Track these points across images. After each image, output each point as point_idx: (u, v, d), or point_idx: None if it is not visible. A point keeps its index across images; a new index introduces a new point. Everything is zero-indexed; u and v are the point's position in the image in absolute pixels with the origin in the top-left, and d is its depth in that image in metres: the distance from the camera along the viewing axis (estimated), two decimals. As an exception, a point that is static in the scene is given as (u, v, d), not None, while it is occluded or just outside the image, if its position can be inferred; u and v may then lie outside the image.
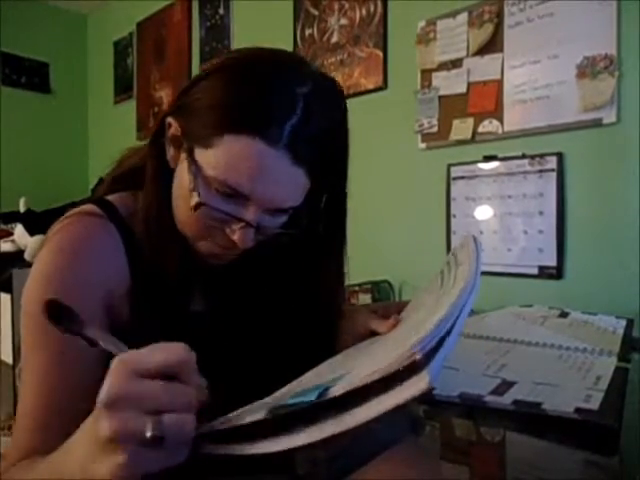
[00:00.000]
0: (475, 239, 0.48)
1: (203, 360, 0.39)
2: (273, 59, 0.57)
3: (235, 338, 0.64)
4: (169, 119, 0.57)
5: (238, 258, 0.60)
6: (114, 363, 0.35)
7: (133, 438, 0.32)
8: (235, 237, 0.54)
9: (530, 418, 0.43)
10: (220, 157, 0.52)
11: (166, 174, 0.58)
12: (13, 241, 2.09)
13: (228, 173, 0.52)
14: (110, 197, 0.62)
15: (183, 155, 0.55)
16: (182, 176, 0.55)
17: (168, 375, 0.35)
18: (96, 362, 0.51)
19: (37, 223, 2.07)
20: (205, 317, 0.64)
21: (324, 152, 0.56)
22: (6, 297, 1.74)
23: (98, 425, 0.33)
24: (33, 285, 0.57)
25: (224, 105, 0.53)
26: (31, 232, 1.99)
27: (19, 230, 2.06)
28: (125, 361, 0.35)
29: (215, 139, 0.52)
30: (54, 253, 0.56)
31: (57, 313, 0.42)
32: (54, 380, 0.54)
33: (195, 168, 0.53)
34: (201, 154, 0.53)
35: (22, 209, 2.23)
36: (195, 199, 0.52)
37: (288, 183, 0.54)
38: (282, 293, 0.66)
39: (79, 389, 0.52)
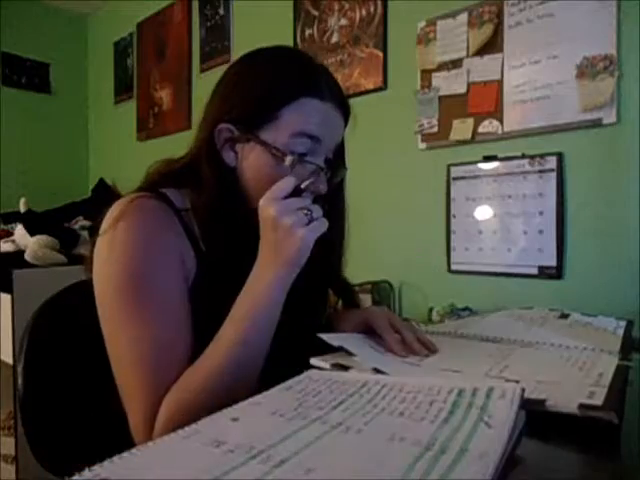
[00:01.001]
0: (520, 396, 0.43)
1: None
2: (278, 46, 0.72)
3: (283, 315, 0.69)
4: (220, 126, 0.66)
5: None
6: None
7: (301, 221, 0.57)
8: (317, 187, 0.66)
9: (533, 417, 0.43)
10: (289, 119, 0.65)
11: (224, 176, 0.67)
12: (13, 241, 2.09)
13: (300, 125, 0.65)
14: (164, 190, 0.67)
15: (245, 147, 0.66)
16: (257, 162, 0.66)
17: None
18: (184, 322, 0.61)
19: (37, 223, 2.07)
20: None
21: (346, 111, 0.72)
22: (6, 297, 1.74)
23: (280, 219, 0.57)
24: (118, 261, 0.60)
25: (275, 84, 0.66)
26: (31, 232, 1.99)
27: (19, 230, 2.06)
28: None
29: (279, 111, 0.64)
30: (132, 228, 0.61)
31: None
32: (155, 335, 0.59)
33: (270, 146, 0.64)
34: (267, 132, 0.65)
35: (22, 209, 2.23)
36: (289, 158, 0.64)
37: (338, 126, 0.70)
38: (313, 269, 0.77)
39: (176, 340, 0.60)
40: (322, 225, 0.58)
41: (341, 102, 0.69)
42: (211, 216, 0.66)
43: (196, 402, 0.54)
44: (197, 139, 0.70)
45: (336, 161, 0.72)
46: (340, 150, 0.74)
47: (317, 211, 0.58)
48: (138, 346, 0.58)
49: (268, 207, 0.58)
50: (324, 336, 0.64)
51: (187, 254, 0.65)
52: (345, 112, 0.71)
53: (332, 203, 0.74)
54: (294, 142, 0.65)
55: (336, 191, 0.75)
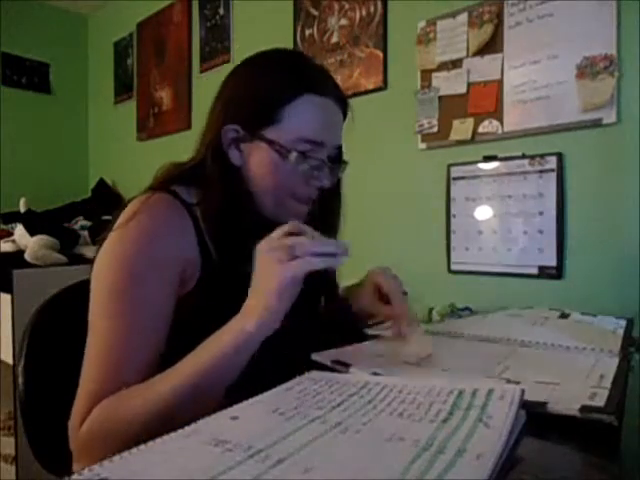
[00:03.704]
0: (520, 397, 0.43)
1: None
2: (275, 49, 0.74)
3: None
4: (225, 128, 0.68)
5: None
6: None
7: (280, 258, 0.53)
8: (321, 181, 0.70)
9: (533, 417, 0.43)
10: (293, 122, 0.66)
11: (229, 175, 0.69)
12: (13, 241, 2.09)
13: (304, 130, 0.67)
14: (174, 187, 0.69)
15: (250, 145, 0.68)
16: (260, 160, 0.68)
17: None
18: (160, 331, 0.61)
19: (37, 223, 2.07)
20: None
21: (344, 105, 0.74)
22: (6, 297, 1.74)
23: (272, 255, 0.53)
24: (121, 258, 0.61)
25: (277, 83, 0.67)
26: (31, 232, 1.99)
27: (19, 230, 2.06)
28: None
29: (281, 111, 0.66)
30: (142, 229, 0.62)
31: None
32: (123, 339, 0.59)
33: (275, 143, 0.66)
34: (272, 132, 0.67)
35: (22, 209, 2.23)
36: (294, 154, 0.66)
37: (338, 123, 0.72)
38: None
39: (146, 348, 0.60)
40: (304, 264, 0.53)
41: (339, 97, 0.71)
42: (220, 216, 0.67)
43: (124, 422, 0.53)
44: (203, 142, 0.72)
45: (337, 155, 0.74)
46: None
47: (301, 247, 0.53)
48: (102, 345, 0.59)
49: (260, 247, 0.56)
50: (317, 357, 0.63)
51: (191, 257, 0.65)
52: (343, 107, 0.73)
53: (328, 199, 0.76)
54: (296, 145, 0.66)
55: (332, 188, 0.76)
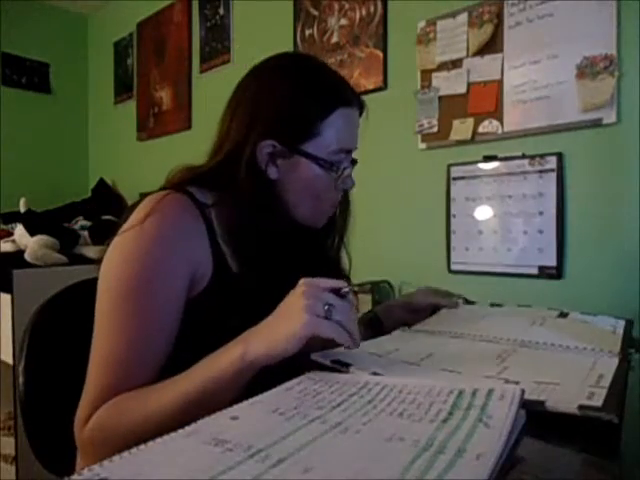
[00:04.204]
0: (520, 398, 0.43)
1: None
2: (294, 55, 0.80)
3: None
4: (261, 144, 0.68)
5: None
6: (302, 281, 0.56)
7: (315, 310, 0.52)
8: (347, 185, 0.75)
9: (533, 417, 0.43)
10: (329, 135, 0.70)
11: (267, 189, 0.70)
12: (13, 241, 2.09)
13: (340, 142, 0.71)
14: (189, 188, 0.69)
15: (291, 160, 0.70)
16: (301, 174, 0.70)
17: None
18: (165, 339, 0.61)
19: (37, 223, 2.07)
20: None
21: (362, 107, 0.78)
22: (6, 297, 1.74)
23: (300, 301, 0.53)
24: (133, 260, 0.61)
25: (315, 100, 0.70)
26: (31, 232, 1.99)
27: (19, 230, 2.06)
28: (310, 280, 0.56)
29: (319, 126, 0.69)
30: (158, 229, 0.62)
31: None
32: (130, 344, 0.59)
33: (317, 158, 0.69)
34: (311, 146, 0.70)
35: (22, 209, 2.23)
36: (336, 167, 0.71)
37: (359, 126, 0.76)
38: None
39: (154, 348, 0.60)
40: (332, 330, 0.53)
41: (360, 102, 0.76)
42: (251, 230, 0.67)
43: (118, 433, 0.54)
44: (221, 149, 0.71)
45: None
46: None
47: (340, 314, 0.54)
48: (111, 345, 0.59)
49: (303, 285, 0.55)
50: (316, 357, 0.62)
51: (203, 259, 0.65)
52: (362, 109, 0.77)
53: (342, 199, 0.79)
54: (332, 156, 0.71)
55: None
